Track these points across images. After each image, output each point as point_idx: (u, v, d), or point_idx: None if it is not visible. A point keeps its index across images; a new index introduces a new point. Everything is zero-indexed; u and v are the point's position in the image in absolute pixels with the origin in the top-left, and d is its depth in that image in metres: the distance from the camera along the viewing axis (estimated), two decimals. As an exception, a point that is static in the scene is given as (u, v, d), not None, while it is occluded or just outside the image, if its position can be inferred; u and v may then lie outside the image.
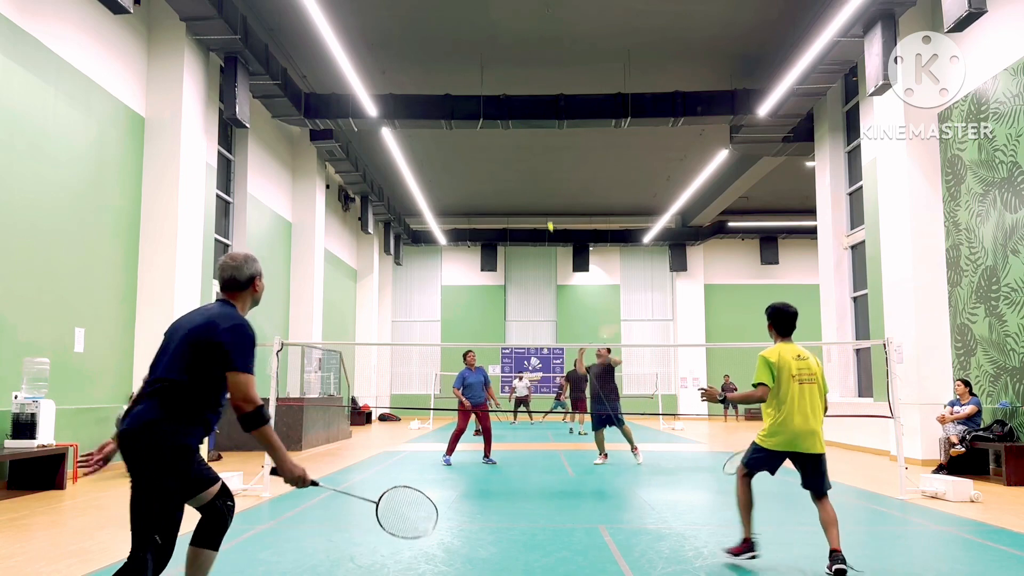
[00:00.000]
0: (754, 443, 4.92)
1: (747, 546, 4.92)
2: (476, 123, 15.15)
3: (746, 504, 4.98)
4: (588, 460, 11.68)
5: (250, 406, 2.99)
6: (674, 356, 28.81)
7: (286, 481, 3.15)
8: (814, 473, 4.73)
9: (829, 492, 4.75)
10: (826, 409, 4.89)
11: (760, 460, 4.90)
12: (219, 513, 3.28)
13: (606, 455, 11.34)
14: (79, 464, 3.29)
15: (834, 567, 4.38)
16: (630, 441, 11.26)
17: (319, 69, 15.18)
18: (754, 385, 4.79)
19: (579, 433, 17.81)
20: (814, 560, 4.97)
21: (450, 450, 11.17)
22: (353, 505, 7.03)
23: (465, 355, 11.43)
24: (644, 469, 10.60)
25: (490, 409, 11.51)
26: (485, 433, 11.39)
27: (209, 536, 3.27)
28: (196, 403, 3.05)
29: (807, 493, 4.81)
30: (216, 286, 13.87)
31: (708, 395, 4.84)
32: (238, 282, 3.30)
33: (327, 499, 7.59)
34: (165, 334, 3.23)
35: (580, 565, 4.89)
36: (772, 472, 4.94)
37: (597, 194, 25.25)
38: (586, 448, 13.93)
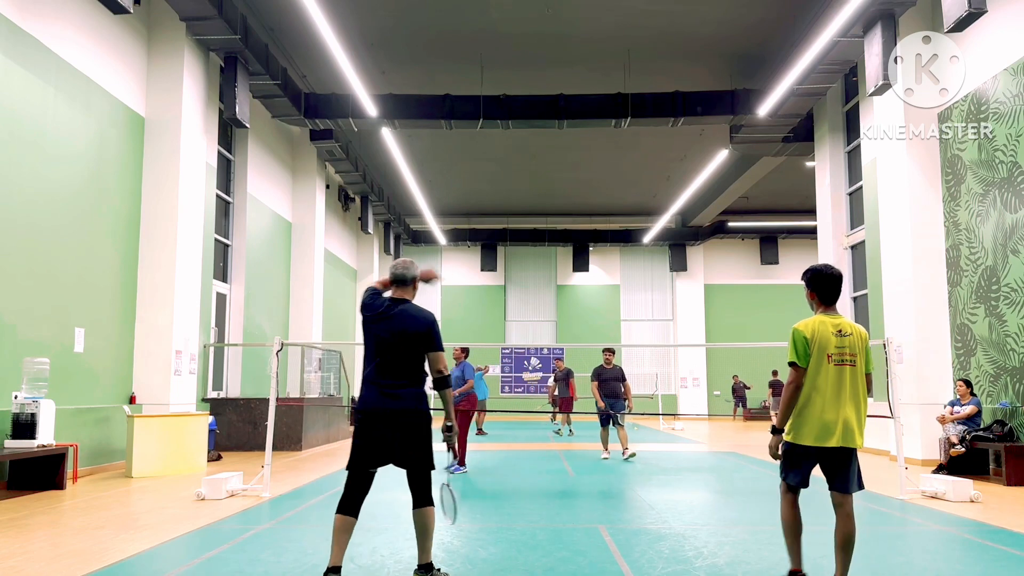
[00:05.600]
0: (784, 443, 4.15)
1: None
2: (476, 123, 15.14)
3: (792, 528, 4.17)
4: (588, 460, 11.68)
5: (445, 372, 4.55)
6: (674, 356, 28.81)
7: (445, 428, 4.60)
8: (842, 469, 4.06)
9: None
10: (869, 393, 4.11)
11: (791, 460, 4.12)
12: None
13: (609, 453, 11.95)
14: None
15: None
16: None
17: (319, 69, 15.18)
18: (789, 364, 4.05)
19: (568, 434, 17.52)
20: (813, 560, 4.96)
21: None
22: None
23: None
24: (644, 469, 10.60)
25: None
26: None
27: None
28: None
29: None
30: (215, 285, 13.92)
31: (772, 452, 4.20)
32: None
33: (327, 499, 7.59)
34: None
35: (580, 565, 4.89)
36: (804, 479, 4.10)
37: (597, 194, 25.24)
38: (585, 448, 13.93)
